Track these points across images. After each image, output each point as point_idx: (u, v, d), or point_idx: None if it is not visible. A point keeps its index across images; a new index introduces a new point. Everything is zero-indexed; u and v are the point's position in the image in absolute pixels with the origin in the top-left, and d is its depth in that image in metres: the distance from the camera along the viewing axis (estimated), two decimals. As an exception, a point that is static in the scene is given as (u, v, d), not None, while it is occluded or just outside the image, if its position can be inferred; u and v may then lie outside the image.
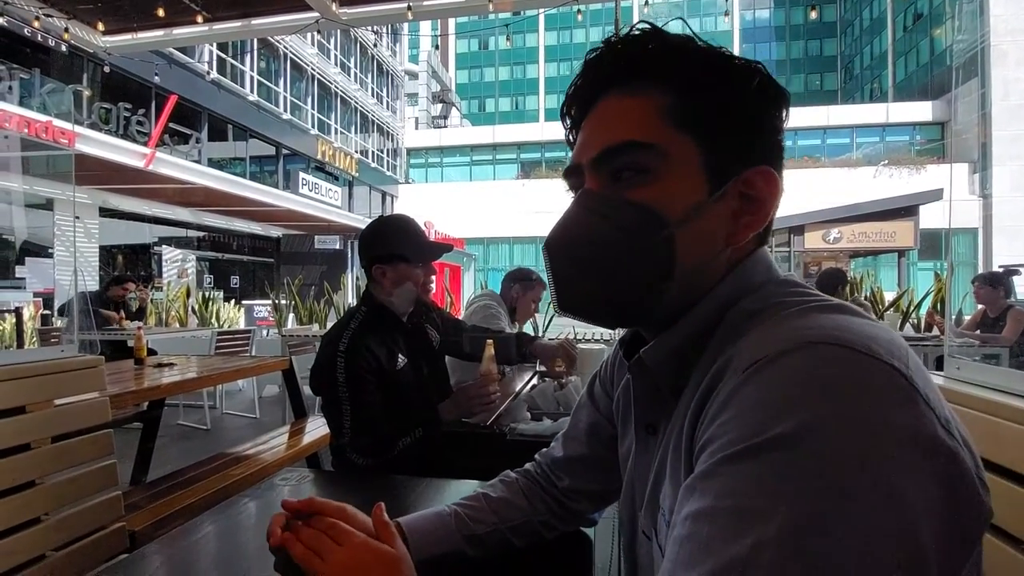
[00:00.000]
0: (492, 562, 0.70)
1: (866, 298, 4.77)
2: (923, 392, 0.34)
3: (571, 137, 0.55)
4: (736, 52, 0.49)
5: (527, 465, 0.80)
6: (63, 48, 4.65)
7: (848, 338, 0.36)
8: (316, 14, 4.08)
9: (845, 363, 0.35)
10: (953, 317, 4.10)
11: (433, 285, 1.53)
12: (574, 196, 0.52)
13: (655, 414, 0.53)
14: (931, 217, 9.28)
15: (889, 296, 5.36)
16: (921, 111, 22.83)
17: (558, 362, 1.70)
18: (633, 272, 0.47)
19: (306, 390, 3.23)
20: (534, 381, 2.20)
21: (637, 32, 0.49)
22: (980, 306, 4.03)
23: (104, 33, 4.57)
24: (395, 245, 1.43)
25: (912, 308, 4.78)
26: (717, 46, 0.49)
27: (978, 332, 3.95)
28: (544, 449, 0.80)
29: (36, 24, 4.19)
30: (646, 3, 4.35)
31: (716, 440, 0.37)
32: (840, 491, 0.31)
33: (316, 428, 2.78)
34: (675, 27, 0.54)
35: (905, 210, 9.26)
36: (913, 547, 0.31)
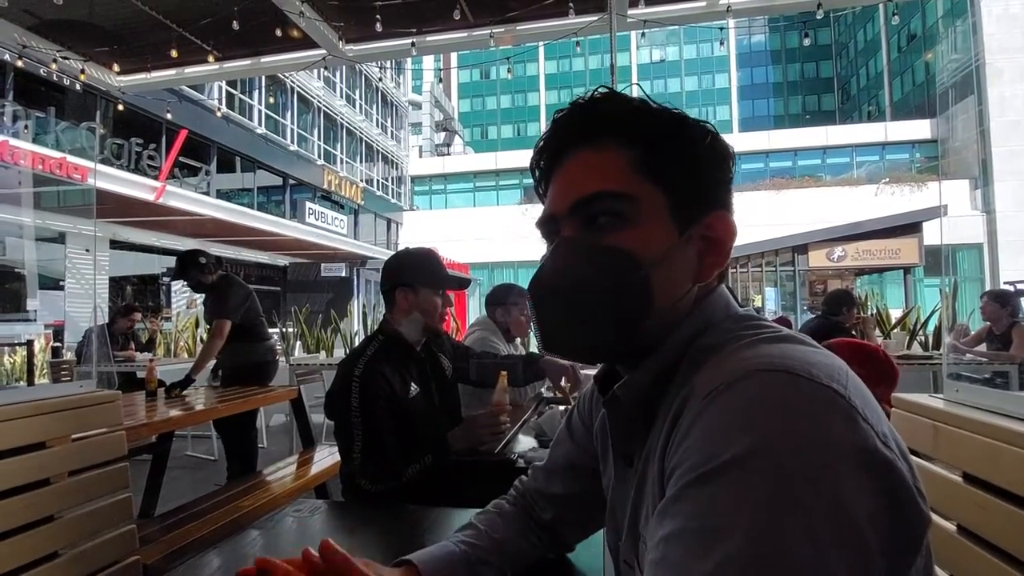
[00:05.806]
0: None
1: (873, 316, 4.74)
2: (861, 410, 0.38)
3: (540, 189, 0.59)
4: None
5: (511, 493, 0.81)
6: (77, 87, 4.79)
7: (790, 364, 0.40)
8: (323, 51, 4.21)
9: (788, 387, 0.38)
10: (951, 336, 4.06)
11: (448, 315, 1.59)
12: (550, 244, 0.56)
13: (630, 446, 0.55)
14: (936, 233, 9.27)
15: (896, 314, 5.32)
16: (919, 129, 23.02)
17: (564, 379, 1.77)
18: (615, 312, 0.50)
19: (314, 419, 3.24)
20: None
21: (600, 95, 0.54)
22: (986, 322, 4.02)
23: (119, 73, 4.72)
24: (419, 272, 1.51)
25: (919, 326, 4.73)
26: (672, 107, 0.54)
27: (983, 347, 3.93)
28: (524, 478, 0.81)
29: (53, 66, 4.33)
30: (643, 34, 4.46)
31: (681, 465, 0.40)
32: (791, 504, 0.34)
33: (324, 458, 2.77)
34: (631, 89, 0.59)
35: (909, 227, 9.28)
36: (861, 554, 0.34)
